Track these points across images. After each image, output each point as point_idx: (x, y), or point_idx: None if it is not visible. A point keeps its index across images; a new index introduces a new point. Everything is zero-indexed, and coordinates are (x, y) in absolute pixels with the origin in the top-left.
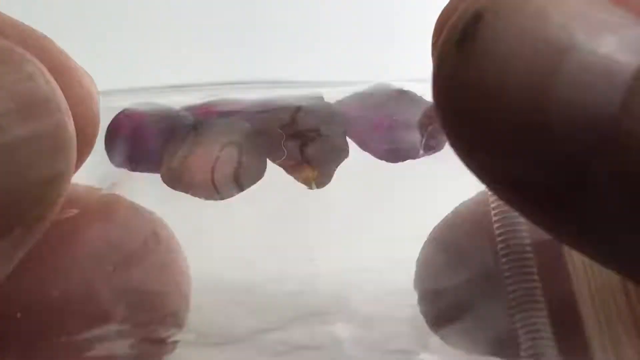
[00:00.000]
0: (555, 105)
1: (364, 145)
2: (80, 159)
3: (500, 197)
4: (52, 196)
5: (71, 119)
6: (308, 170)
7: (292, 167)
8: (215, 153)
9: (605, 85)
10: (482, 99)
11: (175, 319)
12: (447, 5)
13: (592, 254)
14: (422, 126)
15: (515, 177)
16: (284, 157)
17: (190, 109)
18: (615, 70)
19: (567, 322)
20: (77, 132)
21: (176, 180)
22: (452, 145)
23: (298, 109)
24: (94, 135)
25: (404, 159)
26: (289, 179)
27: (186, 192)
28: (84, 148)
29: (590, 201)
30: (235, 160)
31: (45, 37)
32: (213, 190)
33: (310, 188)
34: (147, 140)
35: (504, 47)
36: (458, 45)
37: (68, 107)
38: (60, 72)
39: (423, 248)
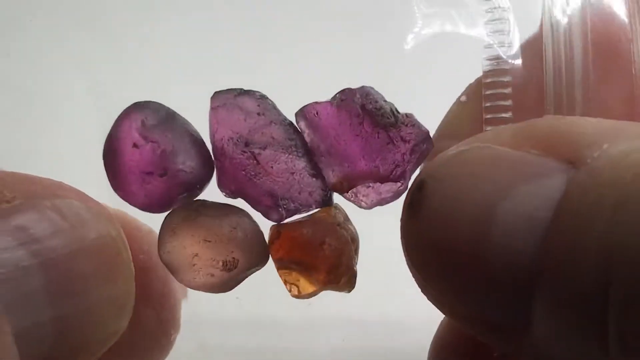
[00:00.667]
0: (492, 252)
1: None
2: None
3: (458, 324)
4: (106, 347)
5: (134, 280)
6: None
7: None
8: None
9: (528, 234)
10: (430, 252)
11: None
12: None
13: None
14: None
15: (465, 313)
16: None
17: None
18: (534, 219)
19: None
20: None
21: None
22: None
23: None
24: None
25: None
26: None
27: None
28: None
29: (535, 336)
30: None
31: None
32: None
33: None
34: None
35: (444, 207)
36: (409, 210)
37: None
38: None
39: (439, 330)
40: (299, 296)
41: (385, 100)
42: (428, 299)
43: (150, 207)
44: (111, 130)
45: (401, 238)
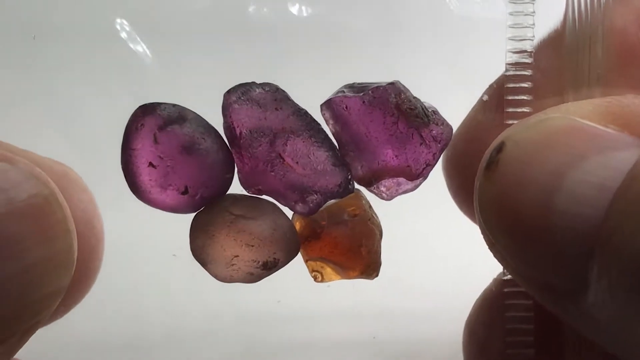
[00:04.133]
0: (557, 215)
1: None
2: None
3: (520, 284)
4: (52, 305)
5: (76, 237)
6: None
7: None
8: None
9: (594, 201)
10: (500, 211)
11: None
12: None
13: (594, 338)
14: None
15: (527, 273)
16: None
17: None
18: (602, 188)
19: None
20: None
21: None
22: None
23: None
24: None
25: None
26: None
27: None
28: (91, 264)
29: (589, 300)
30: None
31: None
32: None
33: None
34: None
35: (518, 170)
36: (486, 169)
37: (78, 226)
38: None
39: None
40: (321, 282)
41: (414, 97)
42: (495, 257)
43: (176, 212)
44: (125, 139)
45: (475, 197)
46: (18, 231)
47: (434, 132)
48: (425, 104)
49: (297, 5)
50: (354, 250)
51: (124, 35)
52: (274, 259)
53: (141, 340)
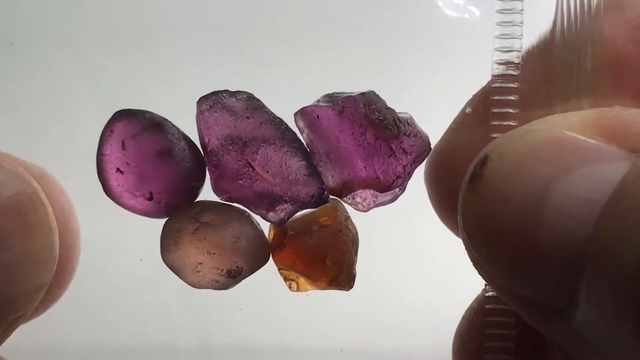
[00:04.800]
0: (543, 230)
1: None
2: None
3: (505, 302)
4: (35, 301)
5: (57, 235)
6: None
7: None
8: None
9: (581, 214)
10: (485, 226)
11: None
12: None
13: (582, 359)
14: None
15: (513, 290)
16: None
17: None
18: (589, 201)
19: None
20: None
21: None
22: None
23: None
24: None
25: None
26: None
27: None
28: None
29: (579, 319)
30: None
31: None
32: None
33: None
34: None
35: (502, 183)
36: (470, 183)
37: (57, 225)
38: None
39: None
40: (297, 291)
41: (387, 108)
42: (480, 274)
43: (148, 216)
44: (99, 144)
45: (458, 212)
46: (2, 228)
47: (404, 144)
48: (401, 115)
49: (285, 10)
50: (318, 261)
51: (103, 40)
52: (237, 267)
53: (118, 344)
